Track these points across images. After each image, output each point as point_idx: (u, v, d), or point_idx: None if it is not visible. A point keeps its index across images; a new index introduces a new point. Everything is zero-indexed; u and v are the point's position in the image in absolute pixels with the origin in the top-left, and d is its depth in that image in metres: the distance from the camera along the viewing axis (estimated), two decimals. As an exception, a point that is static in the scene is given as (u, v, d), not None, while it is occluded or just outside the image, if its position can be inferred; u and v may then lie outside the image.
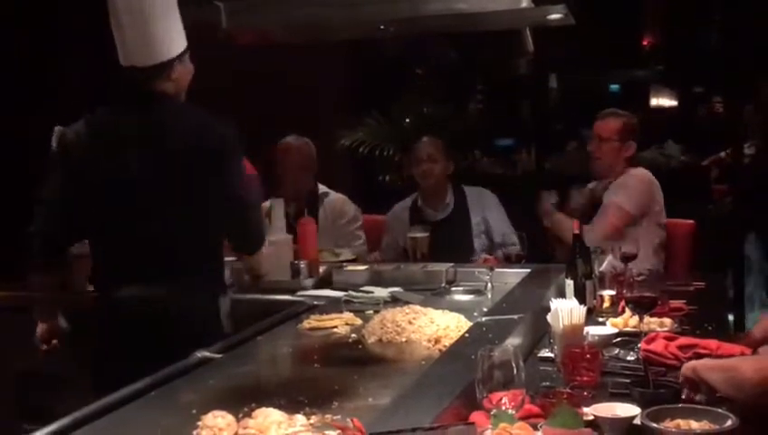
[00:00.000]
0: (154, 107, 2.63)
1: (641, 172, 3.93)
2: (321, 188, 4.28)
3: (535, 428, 1.65)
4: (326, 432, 1.67)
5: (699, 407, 1.76)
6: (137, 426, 1.93)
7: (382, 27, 3.68)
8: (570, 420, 1.54)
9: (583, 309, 2.30)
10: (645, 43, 9.99)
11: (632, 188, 3.83)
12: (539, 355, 2.38)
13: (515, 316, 2.45)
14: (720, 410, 1.72)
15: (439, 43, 7.67)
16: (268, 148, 4.31)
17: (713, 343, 2.21)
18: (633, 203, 3.79)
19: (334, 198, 4.27)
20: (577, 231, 2.91)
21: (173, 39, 2.61)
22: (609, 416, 1.77)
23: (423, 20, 3.61)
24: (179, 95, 2.69)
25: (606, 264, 2.98)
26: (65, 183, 2.63)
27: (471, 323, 2.54)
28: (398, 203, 4.36)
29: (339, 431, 1.56)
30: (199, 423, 1.83)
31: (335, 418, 1.82)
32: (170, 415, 1.96)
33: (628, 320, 2.60)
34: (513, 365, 1.72)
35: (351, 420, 1.50)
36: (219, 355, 2.42)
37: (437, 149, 4.17)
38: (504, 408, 1.68)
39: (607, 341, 2.42)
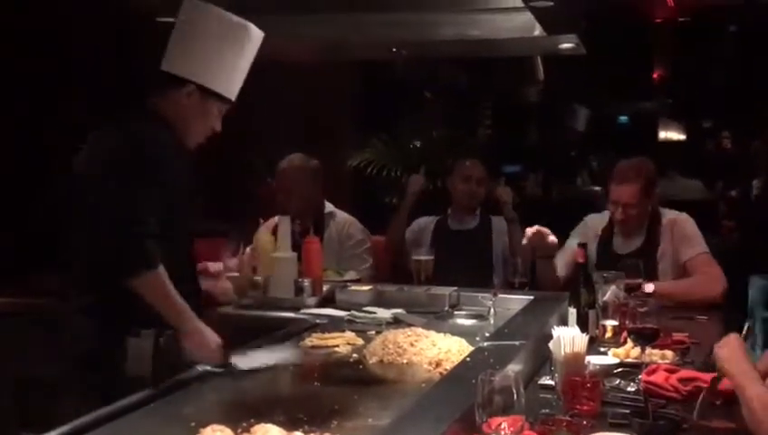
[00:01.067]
0: (133, 122, 2.56)
1: (686, 217, 3.70)
2: (328, 207, 4.26)
3: (534, 454, 1.65)
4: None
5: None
6: (135, 437, 1.94)
7: (395, 50, 3.71)
8: (568, 447, 1.53)
9: (585, 338, 2.30)
10: (654, 75, 10.03)
11: (696, 234, 3.63)
12: (539, 382, 2.37)
13: (517, 342, 2.45)
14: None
15: (450, 67, 7.71)
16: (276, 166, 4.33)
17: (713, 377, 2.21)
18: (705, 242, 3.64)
19: (342, 219, 4.25)
20: (581, 260, 2.91)
21: (227, 81, 2.60)
22: (608, 446, 1.77)
23: (436, 44, 3.64)
24: (177, 123, 2.57)
25: (609, 294, 2.97)
26: None
27: (473, 348, 2.53)
28: (423, 217, 4.49)
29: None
30: (198, 437, 1.84)
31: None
32: (169, 427, 1.96)
33: (629, 351, 2.60)
34: (514, 391, 1.72)
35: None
36: (221, 369, 2.42)
37: (483, 173, 4.37)
38: (503, 433, 1.68)
39: (608, 371, 2.42)
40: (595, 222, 3.83)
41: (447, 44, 3.61)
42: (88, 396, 2.26)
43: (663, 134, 10.94)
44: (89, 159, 2.53)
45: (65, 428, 1.91)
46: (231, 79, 2.60)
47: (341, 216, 4.26)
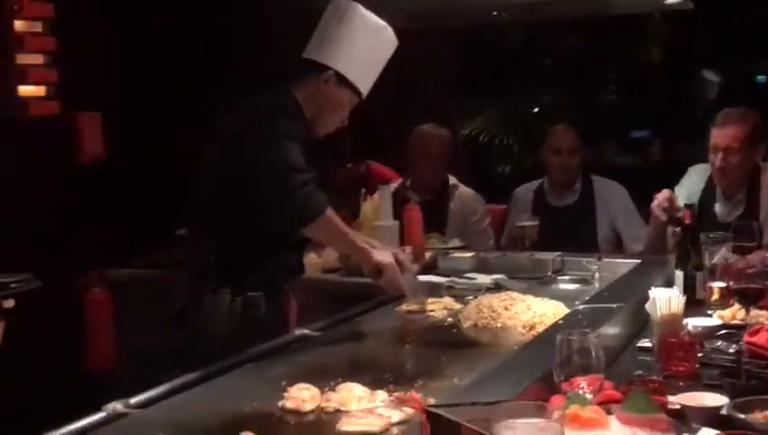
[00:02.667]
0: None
1: None
2: (452, 179, 4.22)
3: (610, 413, 1.62)
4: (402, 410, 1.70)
5: (793, 400, 1.67)
6: (228, 394, 2.02)
7: (495, 13, 3.66)
8: (642, 404, 1.50)
9: (682, 299, 2.23)
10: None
11: None
12: (637, 344, 2.32)
13: (614, 305, 2.40)
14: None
15: (568, 31, 7.52)
16: (388, 137, 4.33)
17: (818, 337, 2.10)
18: None
19: (464, 193, 4.20)
20: (689, 221, 2.82)
21: (362, 74, 2.68)
22: (694, 405, 1.71)
23: (536, 6, 3.57)
24: (311, 108, 2.66)
25: (718, 256, 2.86)
26: None
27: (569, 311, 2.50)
28: (522, 185, 4.29)
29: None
30: (285, 394, 1.91)
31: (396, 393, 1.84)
32: (261, 386, 2.04)
33: (735, 312, 2.50)
34: (593, 351, 1.70)
35: (410, 393, 1.52)
36: (317, 333, 2.49)
37: (575, 141, 4.08)
38: (581, 392, 1.66)
39: (710, 332, 2.34)
40: (699, 175, 3.57)
41: (548, 5, 3.53)
42: (180, 355, 2.37)
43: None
44: (228, 130, 2.65)
45: (164, 387, 2.01)
46: (365, 73, 2.70)
47: (464, 189, 4.21)
